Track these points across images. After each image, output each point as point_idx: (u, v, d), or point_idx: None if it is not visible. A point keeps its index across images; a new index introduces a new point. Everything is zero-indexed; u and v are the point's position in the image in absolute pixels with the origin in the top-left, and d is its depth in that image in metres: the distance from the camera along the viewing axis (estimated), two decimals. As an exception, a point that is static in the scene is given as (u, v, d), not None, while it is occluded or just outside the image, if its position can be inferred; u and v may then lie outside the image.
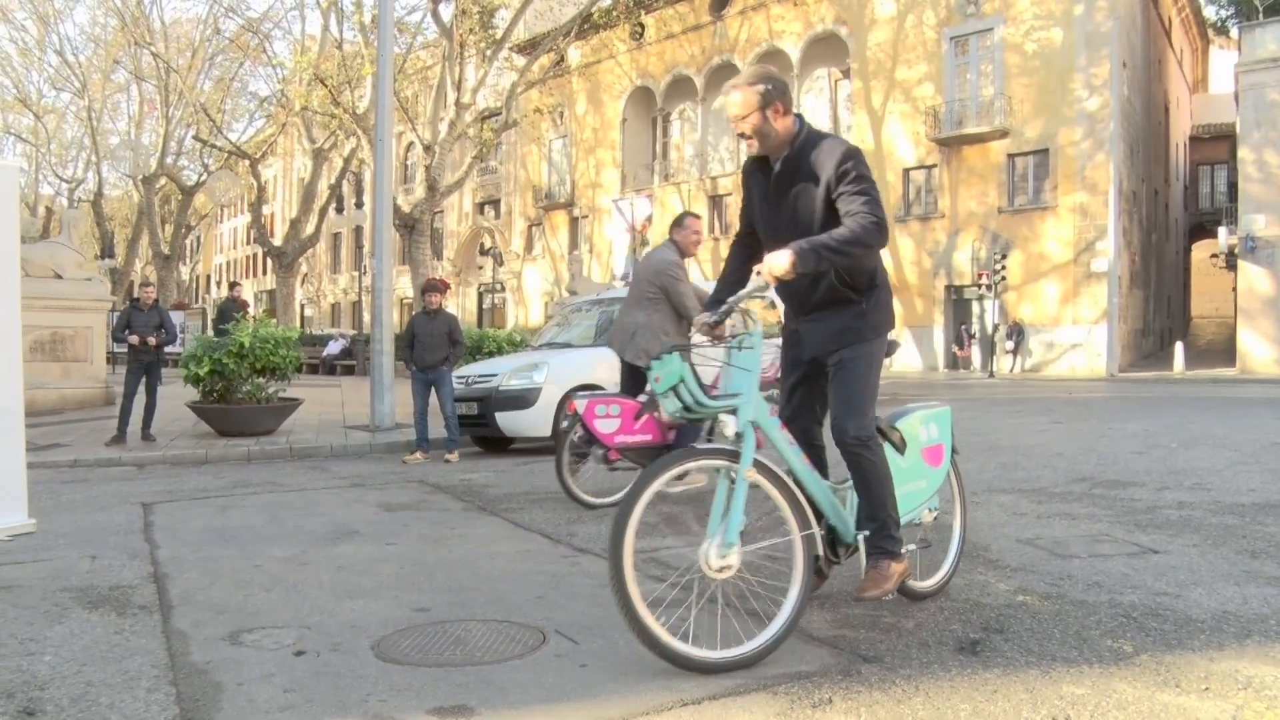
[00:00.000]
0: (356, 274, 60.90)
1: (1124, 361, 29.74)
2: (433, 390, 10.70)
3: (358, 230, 60.53)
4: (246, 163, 41.68)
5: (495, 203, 50.75)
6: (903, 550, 3.80)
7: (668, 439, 6.75)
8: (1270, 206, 27.12)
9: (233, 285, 20.49)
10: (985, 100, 30.88)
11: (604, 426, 6.74)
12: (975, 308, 30.64)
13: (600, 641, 3.74)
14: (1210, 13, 45.78)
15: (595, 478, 7.19)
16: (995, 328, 29.09)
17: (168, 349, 13.05)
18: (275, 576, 5.05)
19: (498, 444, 11.40)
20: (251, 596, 4.65)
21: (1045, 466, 8.09)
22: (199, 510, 7.51)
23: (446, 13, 28.65)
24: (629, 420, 6.73)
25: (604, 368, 11.01)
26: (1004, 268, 28.61)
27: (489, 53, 29.25)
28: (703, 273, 38.46)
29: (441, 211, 54.04)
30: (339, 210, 60.44)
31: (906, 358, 33.02)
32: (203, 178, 45.61)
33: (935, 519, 4.28)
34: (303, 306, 67.30)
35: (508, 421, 10.65)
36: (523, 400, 10.57)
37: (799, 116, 3.82)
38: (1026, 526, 5.71)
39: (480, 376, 11.16)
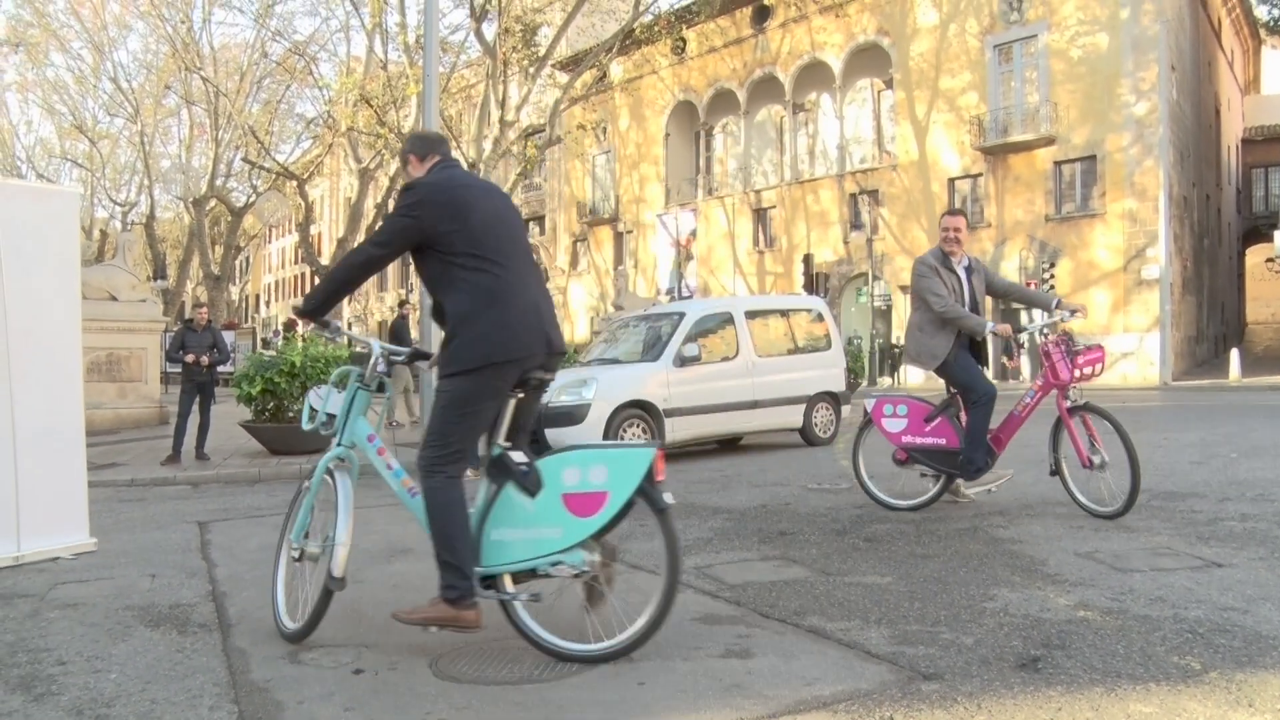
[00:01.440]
0: (403, 291, 61.47)
1: (1177, 370, 29.23)
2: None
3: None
4: (294, 183, 42.19)
5: (540, 219, 50.98)
6: (467, 597, 3.73)
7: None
8: (1327, 210, 26.62)
9: (402, 304, 20.47)
10: (1030, 108, 30.57)
11: (891, 426, 6.82)
12: (1024, 317, 30.23)
13: (656, 660, 3.73)
14: (1262, 12, 45.01)
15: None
16: (1046, 340, 28.66)
17: (220, 368, 13.27)
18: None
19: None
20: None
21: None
22: (254, 529, 7.61)
23: (489, 31, 28.86)
24: (917, 421, 6.76)
25: (653, 383, 11.05)
26: (1052, 276, 28.26)
27: (532, 70, 29.42)
28: (747, 286, 38.44)
29: (487, 228, 54.36)
30: None
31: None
32: (251, 199, 46.28)
33: (588, 576, 3.81)
34: (350, 324, 68.01)
35: (557, 437, 10.62)
36: (572, 416, 10.59)
37: (443, 164, 4.10)
38: (1084, 540, 5.63)
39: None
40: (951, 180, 32.91)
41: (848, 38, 35.79)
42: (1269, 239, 32.72)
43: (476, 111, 30.81)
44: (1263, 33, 46.57)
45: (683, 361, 11.11)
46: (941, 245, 6.86)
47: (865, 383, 30.46)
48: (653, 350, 11.43)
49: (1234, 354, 27.52)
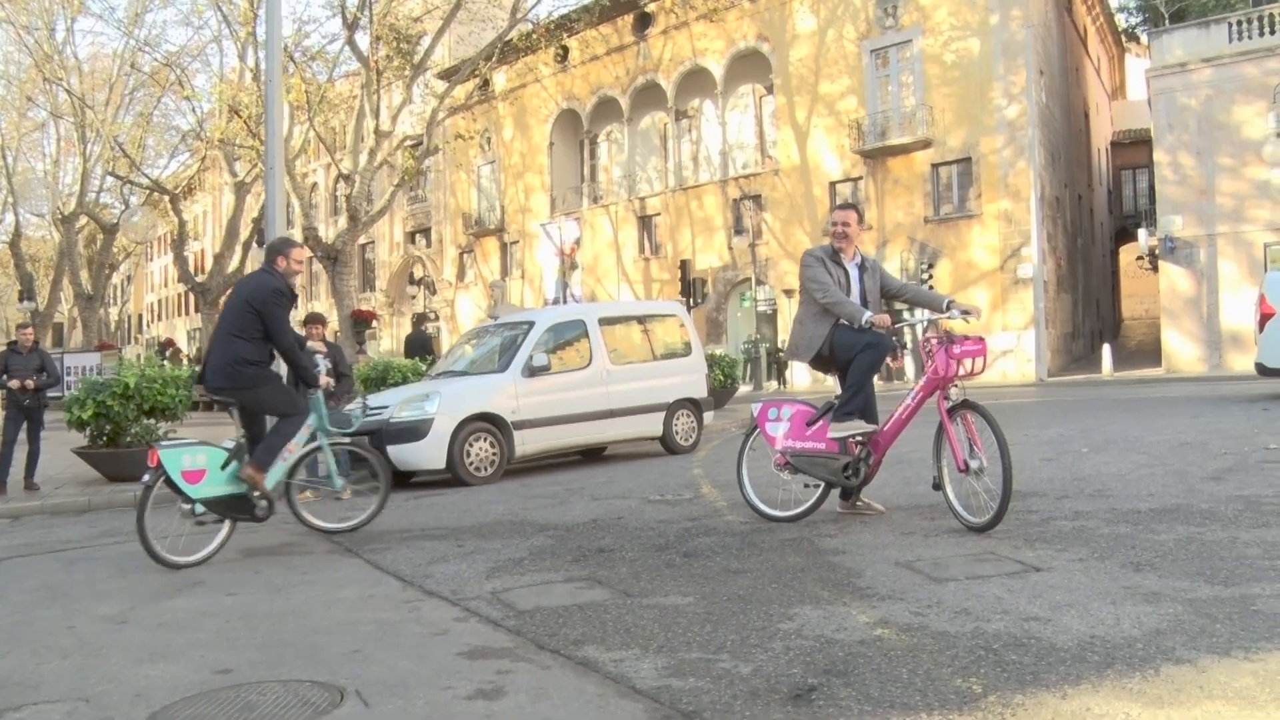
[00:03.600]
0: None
1: (1054, 365, 29.81)
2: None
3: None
4: (167, 199, 40.69)
5: (426, 231, 50.11)
6: None
7: (849, 450, 6.18)
8: (1187, 208, 27.32)
9: (421, 319, 19.32)
10: (907, 111, 30.92)
11: (773, 430, 6.41)
12: (907, 316, 30.48)
13: (397, 702, 3.33)
14: (1121, 20, 46.46)
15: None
16: (926, 337, 28.96)
17: (50, 392, 12.44)
18: (83, 640, 4.64)
19: (398, 477, 10.87)
20: (42, 665, 4.21)
21: None
22: (45, 566, 6.99)
23: (364, 40, 28.14)
24: (799, 425, 6.32)
25: (501, 394, 10.60)
26: (930, 276, 28.57)
27: (407, 79, 28.75)
28: (634, 293, 38.21)
29: (373, 242, 53.37)
30: (305, 242, 59.36)
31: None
32: (121, 216, 44.45)
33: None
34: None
35: (400, 454, 10.15)
36: (414, 432, 10.11)
37: None
38: (910, 547, 5.35)
39: (373, 409, 10.65)
40: (833, 184, 33.13)
41: (728, 44, 35.85)
42: (1138, 238, 33.56)
43: (353, 123, 30.04)
44: (1125, 40, 48.09)
45: (532, 372, 10.69)
46: (831, 241, 6.55)
47: (751, 387, 30.42)
48: (501, 361, 10.99)
49: (1106, 349, 28.14)
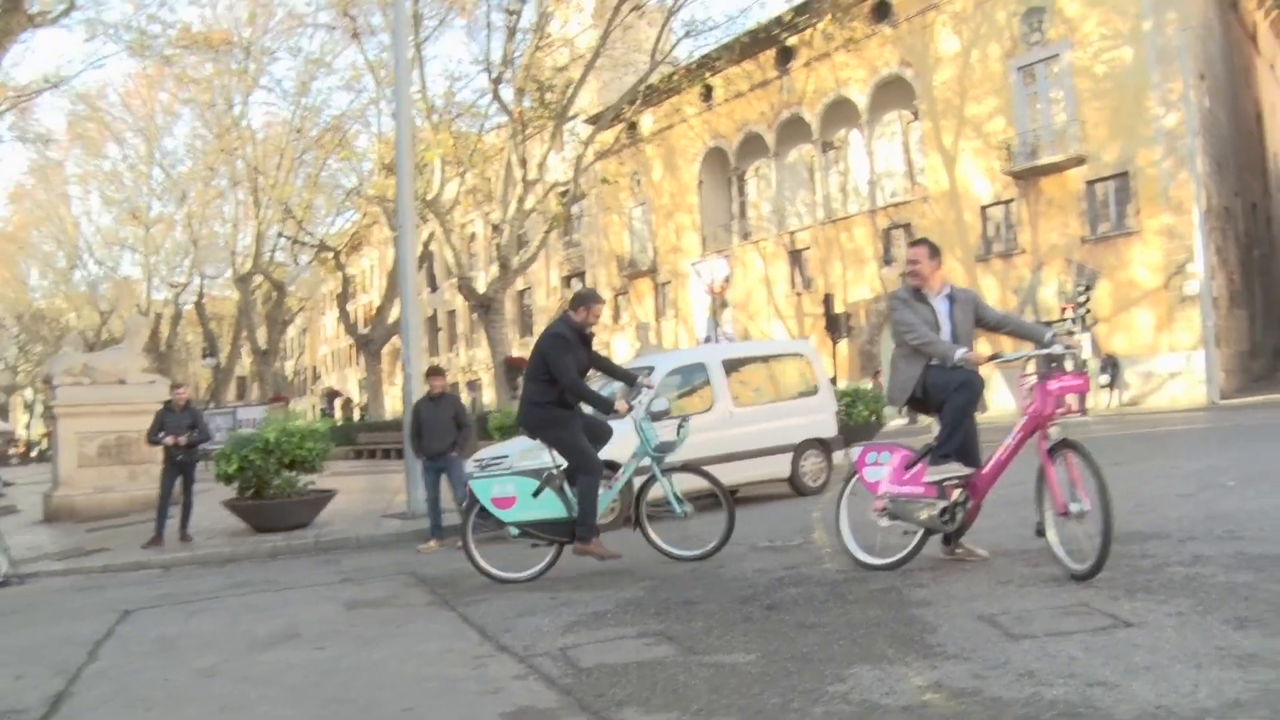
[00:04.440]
0: (451, 355, 61.80)
1: (1229, 387, 27.98)
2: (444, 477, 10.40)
3: (451, 313, 61.45)
4: (331, 256, 42.62)
5: (581, 275, 50.96)
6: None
7: (947, 494, 5.98)
8: (1375, 212, 25.40)
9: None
10: (1058, 128, 29.79)
11: (871, 475, 6.27)
12: (1010, 351, 29.16)
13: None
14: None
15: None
16: (1084, 362, 27.70)
17: (205, 446, 13.11)
18: (171, 692, 4.90)
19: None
20: (125, 717, 4.48)
21: None
22: (171, 616, 7.34)
23: (508, 93, 28.96)
24: (899, 469, 6.16)
25: (621, 441, 10.57)
26: (1087, 299, 27.31)
27: (551, 128, 29.38)
28: (786, 329, 37.84)
29: (530, 287, 54.62)
30: (433, 290, 61.44)
31: (1002, 400, 31.69)
32: (289, 275, 46.73)
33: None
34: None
35: (518, 502, 10.23)
36: (533, 481, 10.15)
37: None
38: (1001, 598, 5.05)
39: (493, 459, 10.81)
40: (983, 208, 32.18)
41: (871, 72, 35.36)
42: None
43: (502, 173, 30.89)
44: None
45: (654, 417, 10.60)
46: (907, 279, 6.34)
47: (907, 421, 29.60)
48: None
49: (1289, 368, 26.28)
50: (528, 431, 7.40)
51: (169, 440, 12.21)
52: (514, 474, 7.36)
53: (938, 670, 3.85)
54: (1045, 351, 5.92)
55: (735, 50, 33.14)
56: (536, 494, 7.17)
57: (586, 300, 7.35)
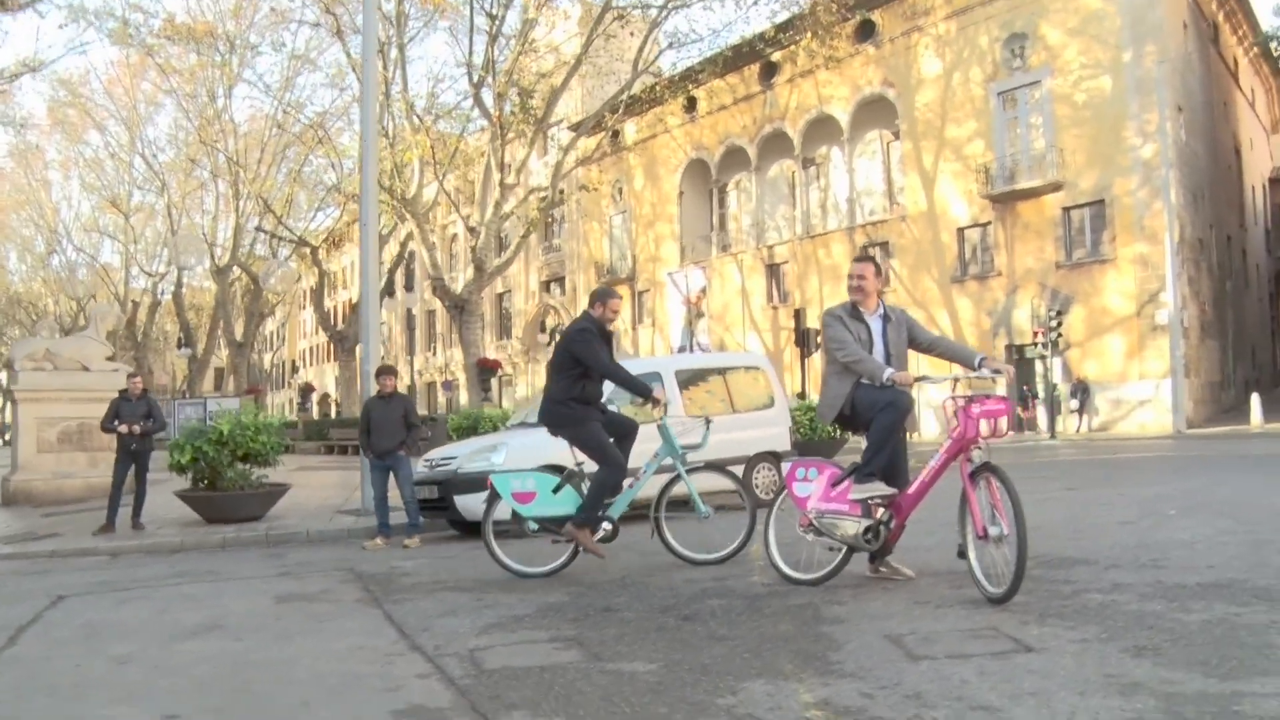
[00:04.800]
0: (429, 355, 61.69)
1: (1198, 416, 28.18)
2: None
3: (430, 313, 61.34)
4: (308, 251, 42.48)
5: (561, 280, 50.96)
6: None
7: (871, 513, 5.98)
8: (1344, 249, 25.63)
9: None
10: (1037, 154, 30.00)
11: (800, 490, 6.22)
12: (1039, 367, 29.41)
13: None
14: (1276, 48, 43.99)
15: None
16: (1054, 387, 27.85)
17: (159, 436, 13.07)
18: (78, 679, 4.90)
19: (467, 528, 10.91)
20: (26, 703, 4.49)
21: None
22: (101, 603, 7.37)
23: (490, 97, 28.93)
24: (826, 486, 6.12)
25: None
26: (1059, 324, 27.48)
27: (530, 133, 29.37)
28: (761, 341, 37.89)
29: (509, 291, 54.58)
30: (410, 290, 61.32)
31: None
32: (263, 270, 46.51)
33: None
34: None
35: (468, 504, 10.22)
36: (481, 483, 10.12)
37: None
38: (915, 619, 5.05)
39: (442, 459, 10.80)
40: (960, 230, 32.35)
41: (854, 90, 35.55)
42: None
43: (481, 176, 30.86)
44: (1281, 69, 45.61)
45: (603, 425, 10.62)
46: (851, 294, 6.35)
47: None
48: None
49: (1255, 399, 26.47)
50: (549, 429, 7.44)
51: (123, 428, 12.16)
52: (534, 470, 7.42)
53: (829, 688, 3.86)
54: (974, 375, 5.92)
55: (719, 64, 33.24)
56: (556, 490, 7.23)
57: (603, 296, 7.40)
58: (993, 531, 5.30)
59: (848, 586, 6.04)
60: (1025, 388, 30.01)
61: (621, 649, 4.78)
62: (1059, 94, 29.59)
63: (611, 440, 7.27)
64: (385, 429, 10.32)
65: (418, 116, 29.64)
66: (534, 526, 7.29)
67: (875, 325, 6.22)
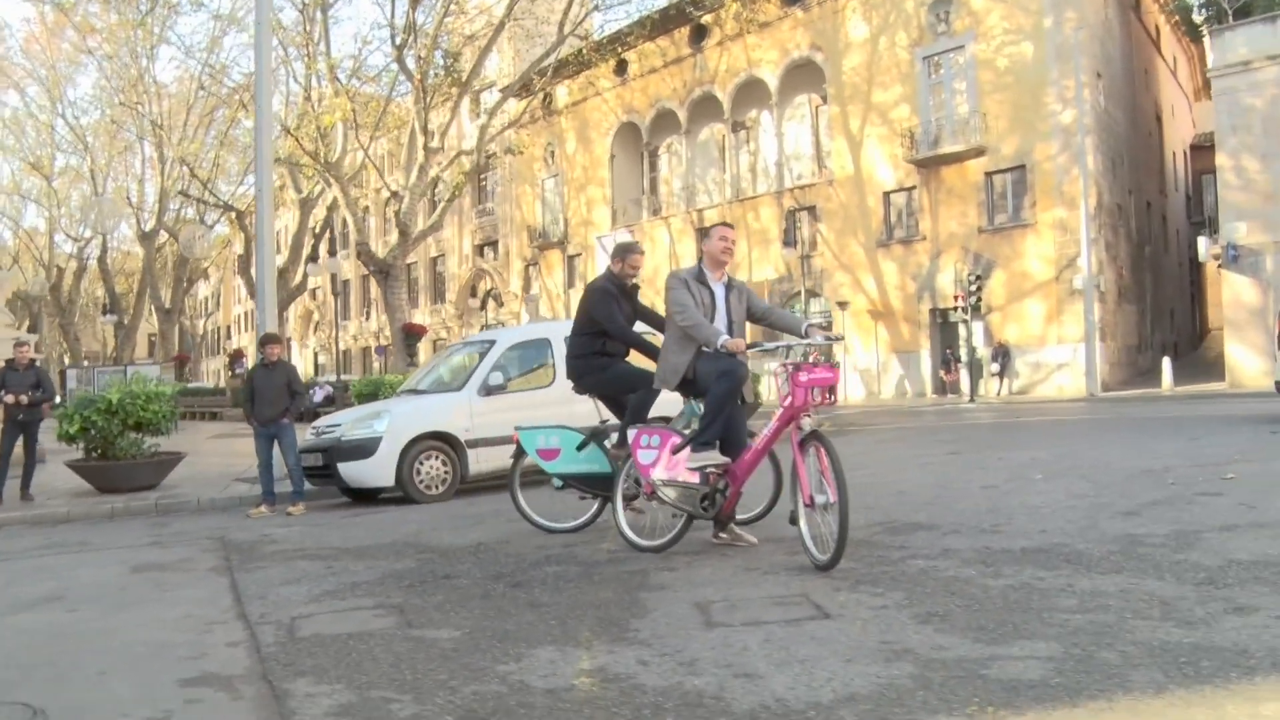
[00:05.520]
0: (362, 320, 61.12)
1: (1115, 379, 28.75)
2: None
3: (365, 277, 60.63)
4: (234, 216, 41.76)
5: (494, 244, 50.60)
6: None
7: (710, 481, 6.00)
8: (1251, 214, 26.09)
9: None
10: (961, 119, 30.21)
11: (644, 457, 6.22)
12: (962, 330, 29.78)
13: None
14: (1198, 17, 44.55)
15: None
16: (973, 350, 28.25)
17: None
18: None
19: (369, 494, 10.84)
20: None
21: (867, 508, 7.37)
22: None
23: (414, 60, 28.48)
24: (667, 453, 6.11)
25: (455, 413, 10.57)
26: (978, 288, 27.83)
27: (455, 97, 29.01)
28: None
29: (443, 255, 54.13)
30: (332, 255, 60.55)
31: (896, 384, 32.25)
32: (182, 235, 45.58)
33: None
34: (316, 354, 67.57)
35: (350, 471, 10.22)
36: (363, 450, 10.15)
37: None
38: (733, 585, 5.10)
39: (327, 427, 10.75)
40: (886, 194, 32.56)
41: (783, 54, 35.50)
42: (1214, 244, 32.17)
43: (406, 140, 30.46)
44: (1201, 37, 46.14)
45: (488, 391, 10.61)
46: (718, 257, 6.32)
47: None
48: (459, 379, 10.96)
49: (1166, 363, 27.03)
50: (573, 384, 7.29)
51: (9, 399, 11.91)
52: (559, 427, 7.26)
53: (612, 654, 3.90)
54: (805, 342, 5.96)
55: (647, 26, 33.01)
56: (580, 448, 7.09)
57: (622, 251, 7.21)
58: (819, 499, 5.36)
59: (687, 553, 6.09)
60: (948, 351, 30.41)
61: (437, 616, 4.81)
62: (982, 59, 29.79)
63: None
64: (268, 397, 10.23)
65: (339, 79, 29.09)
66: (558, 484, 7.19)
67: (719, 292, 6.24)
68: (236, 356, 42.92)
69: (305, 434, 10.97)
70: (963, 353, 29.08)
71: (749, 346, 5.90)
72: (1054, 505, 7.15)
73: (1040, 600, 4.40)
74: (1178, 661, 3.42)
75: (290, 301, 39.93)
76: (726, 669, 3.62)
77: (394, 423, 10.20)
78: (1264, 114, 26.03)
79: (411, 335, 30.66)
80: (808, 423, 5.60)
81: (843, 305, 32.64)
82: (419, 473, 10.21)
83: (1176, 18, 39.94)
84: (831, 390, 5.64)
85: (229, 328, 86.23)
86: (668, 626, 4.32)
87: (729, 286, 6.28)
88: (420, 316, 50.25)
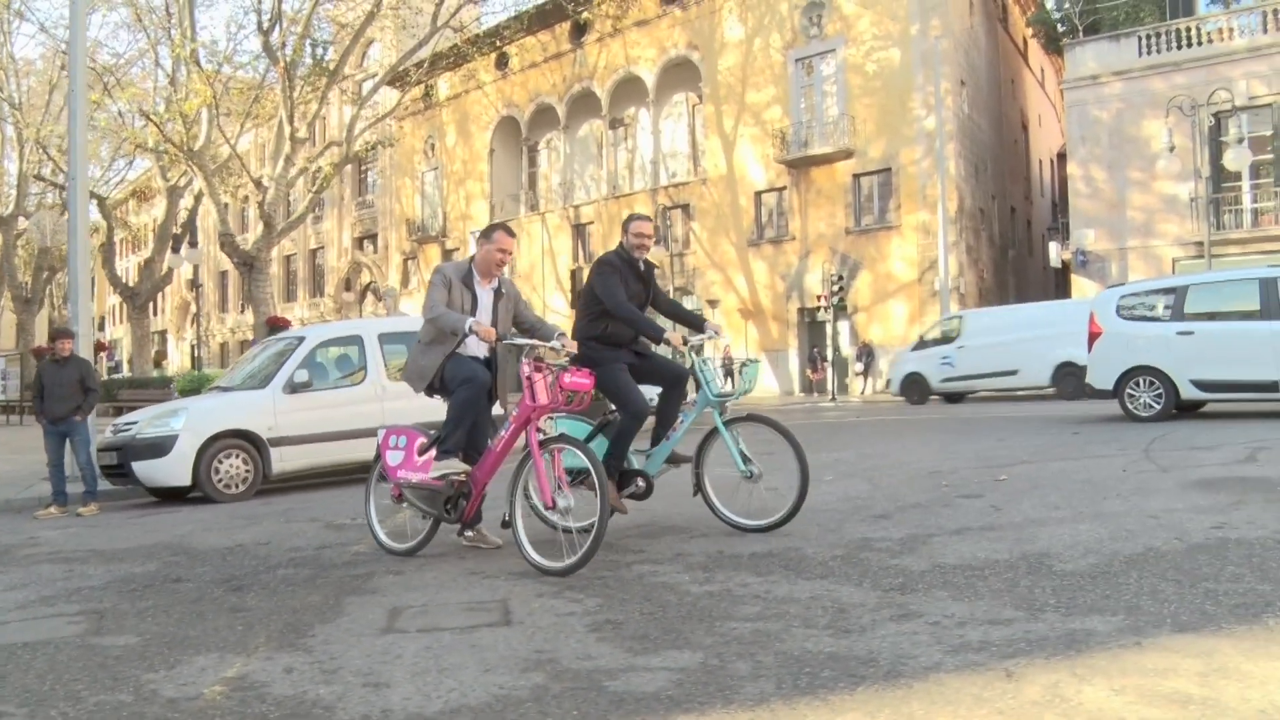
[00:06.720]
0: (238, 313, 59.67)
1: (974, 380, 29.50)
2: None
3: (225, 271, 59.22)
4: (95, 203, 40.29)
5: (373, 236, 49.86)
6: None
7: (454, 485, 5.90)
8: (1099, 221, 27.15)
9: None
10: (830, 121, 30.77)
11: (392, 459, 6.06)
12: (829, 330, 30.31)
13: None
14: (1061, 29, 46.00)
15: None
16: (836, 350, 28.80)
17: None
18: None
19: (177, 493, 10.52)
20: None
21: (638, 509, 7.30)
22: None
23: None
24: (411, 455, 5.95)
25: (257, 411, 10.36)
26: (841, 289, 28.38)
27: (322, 87, 28.46)
28: (567, 302, 37.91)
29: (322, 247, 53.14)
30: (193, 246, 59.08)
31: (765, 382, 32.63)
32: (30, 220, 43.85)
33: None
34: (194, 347, 65.71)
35: (144, 471, 9.96)
36: (158, 449, 9.91)
37: None
38: (446, 590, 5.07)
39: (123, 425, 10.46)
40: (758, 193, 32.98)
41: (660, 52, 35.69)
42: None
43: (273, 130, 29.78)
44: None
45: (293, 388, 10.43)
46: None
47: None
48: (263, 376, 10.76)
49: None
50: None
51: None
52: (565, 417, 6.53)
53: (268, 662, 3.84)
54: (549, 345, 5.99)
55: (524, 21, 32.84)
56: (588, 440, 6.42)
57: (627, 222, 6.74)
58: (560, 503, 5.39)
59: (432, 555, 6.06)
60: (815, 350, 30.93)
61: (129, 622, 4.71)
62: (852, 63, 30.36)
63: (661, 390, 6.60)
64: (59, 394, 9.87)
65: (198, 65, 28.28)
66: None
67: (483, 297, 6.18)
68: (98, 350, 41.46)
69: (104, 432, 10.65)
70: (829, 352, 29.60)
71: (498, 339, 5.88)
72: (820, 508, 7.26)
73: (725, 608, 4.41)
74: (801, 672, 3.40)
75: (156, 292, 38.76)
76: (362, 677, 3.58)
77: (191, 420, 9.97)
78: (1110, 126, 27.05)
79: (276, 328, 30.00)
80: (547, 425, 5.63)
81: (713, 303, 32.98)
82: (218, 471, 10.00)
83: (1037, 30, 41.18)
84: (584, 395, 5.71)
85: (103, 319, 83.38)
86: (345, 632, 4.27)
87: (498, 292, 6.23)
88: (299, 310, 49.36)
